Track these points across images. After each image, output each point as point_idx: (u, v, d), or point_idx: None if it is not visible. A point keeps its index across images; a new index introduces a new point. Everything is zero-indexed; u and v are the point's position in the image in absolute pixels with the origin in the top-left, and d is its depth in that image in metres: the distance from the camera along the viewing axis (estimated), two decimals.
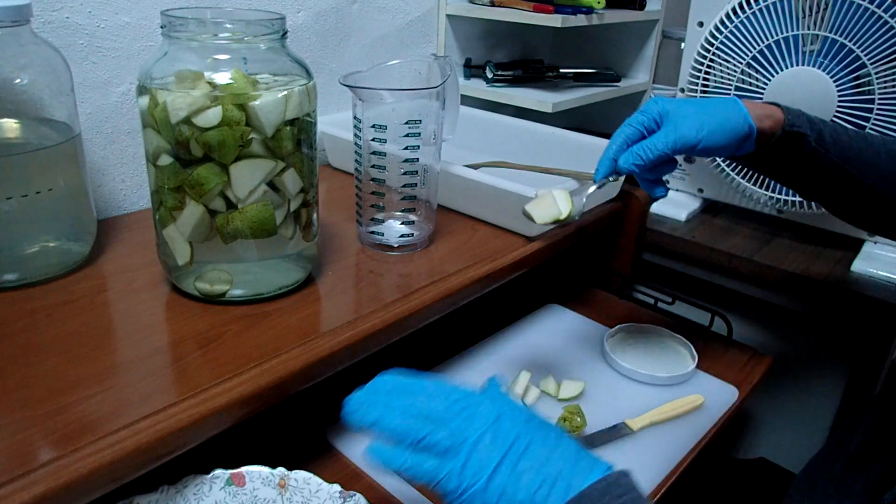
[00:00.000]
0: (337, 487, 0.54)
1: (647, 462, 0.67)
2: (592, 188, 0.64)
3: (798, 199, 0.91)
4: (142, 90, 0.55)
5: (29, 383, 0.49)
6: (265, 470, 0.54)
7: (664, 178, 0.65)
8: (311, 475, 0.54)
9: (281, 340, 0.56)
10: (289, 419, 0.66)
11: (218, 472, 0.53)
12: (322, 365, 0.56)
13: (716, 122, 0.59)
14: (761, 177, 0.93)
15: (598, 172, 0.63)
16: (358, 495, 0.53)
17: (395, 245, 0.74)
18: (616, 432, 0.69)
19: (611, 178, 0.63)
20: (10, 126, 0.60)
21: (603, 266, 1.02)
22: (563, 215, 0.62)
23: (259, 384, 0.51)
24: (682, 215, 1.04)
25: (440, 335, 0.82)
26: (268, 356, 0.54)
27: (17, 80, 0.59)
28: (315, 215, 0.64)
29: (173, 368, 0.52)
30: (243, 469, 0.54)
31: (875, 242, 0.92)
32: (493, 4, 1.12)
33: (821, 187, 0.65)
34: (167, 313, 0.59)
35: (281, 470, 0.54)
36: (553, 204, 0.63)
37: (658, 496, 0.63)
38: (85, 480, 0.42)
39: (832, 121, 0.83)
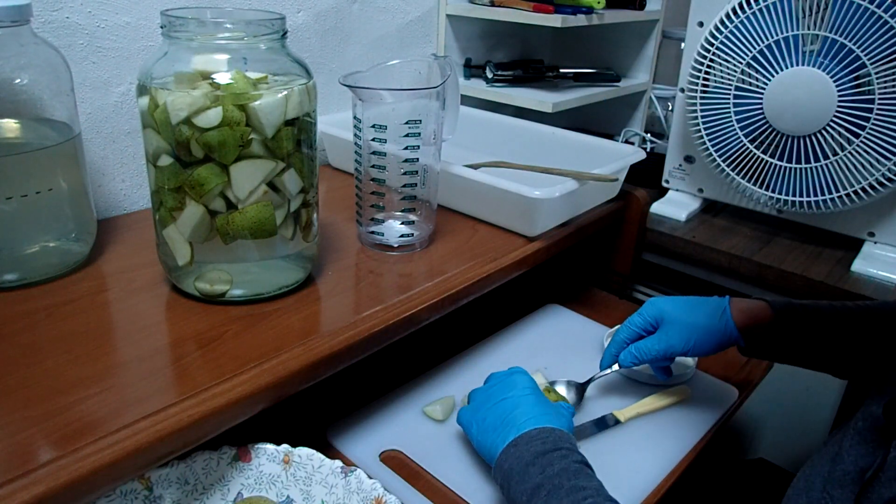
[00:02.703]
0: (339, 463, 0.55)
1: (648, 462, 0.67)
2: (598, 376, 0.74)
3: (798, 198, 0.91)
4: (142, 90, 0.55)
5: (29, 383, 0.49)
6: (270, 446, 0.56)
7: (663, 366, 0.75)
8: (313, 451, 0.56)
9: (281, 340, 0.56)
10: (289, 418, 0.66)
11: (225, 448, 0.56)
12: (322, 365, 0.56)
13: (703, 336, 0.68)
14: (761, 177, 0.93)
15: (601, 364, 0.74)
16: (358, 470, 0.54)
17: (395, 245, 0.74)
18: (604, 424, 0.70)
19: (610, 371, 0.73)
20: (10, 126, 0.60)
21: (603, 266, 1.02)
22: None
23: (259, 384, 0.51)
24: (682, 215, 1.04)
25: (440, 335, 0.82)
26: (268, 356, 0.54)
27: (17, 80, 0.59)
28: (315, 215, 0.64)
29: (173, 368, 0.52)
30: (249, 445, 0.56)
31: (875, 242, 0.92)
32: (493, 4, 1.12)
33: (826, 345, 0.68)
34: (167, 313, 0.59)
35: (285, 447, 0.56)
36: None
37: (658, 497, 0.63)
38: (85, 480, 0.42)
39: (830, 123, 0.84)
